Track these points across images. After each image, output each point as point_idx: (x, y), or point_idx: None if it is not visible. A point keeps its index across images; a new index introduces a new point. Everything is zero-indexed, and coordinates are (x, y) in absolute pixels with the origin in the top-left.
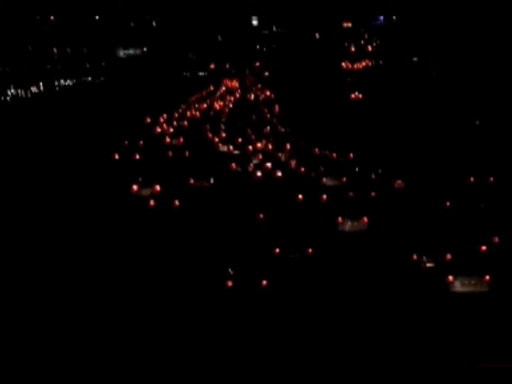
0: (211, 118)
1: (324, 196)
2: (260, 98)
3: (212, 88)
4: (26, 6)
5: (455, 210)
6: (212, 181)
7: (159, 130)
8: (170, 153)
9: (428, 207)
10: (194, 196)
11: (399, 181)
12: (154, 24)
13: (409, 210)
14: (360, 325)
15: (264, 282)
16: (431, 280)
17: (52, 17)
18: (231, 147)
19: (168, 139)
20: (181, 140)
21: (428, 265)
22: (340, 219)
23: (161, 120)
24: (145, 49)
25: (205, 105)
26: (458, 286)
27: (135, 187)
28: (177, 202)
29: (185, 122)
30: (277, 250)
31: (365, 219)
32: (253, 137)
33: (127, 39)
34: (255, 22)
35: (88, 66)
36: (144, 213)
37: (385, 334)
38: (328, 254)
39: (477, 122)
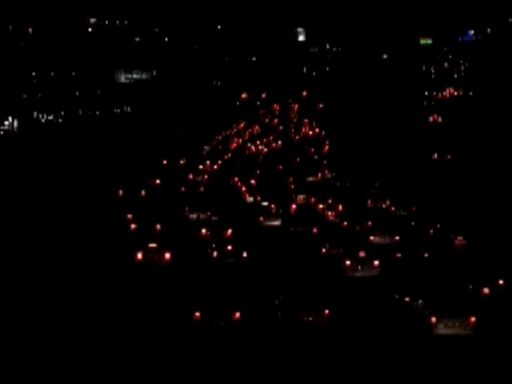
0: (245, 160)
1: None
2: (307, 136)
3: (244, 124)
4: None
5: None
6: (209, 214)
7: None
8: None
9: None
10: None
11: (460, 238)
12: (166, 39)
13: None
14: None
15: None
16: (417, 321)
17: (30, 29)
18: (258, 198)
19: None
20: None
21: (419, 306)
22: (348, 263)
23: (181, 163)
24: (154, 72)
25: (234, 145)
26: (442, 328)
27: (129, 215)
28: (158, 227)
29: (205, 168)
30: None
31: (376, 263)
32: (292, 186)
33: (130, 59)
34: (301, 37)
35: (78, 94)
36: (126, 235)
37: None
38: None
39: None
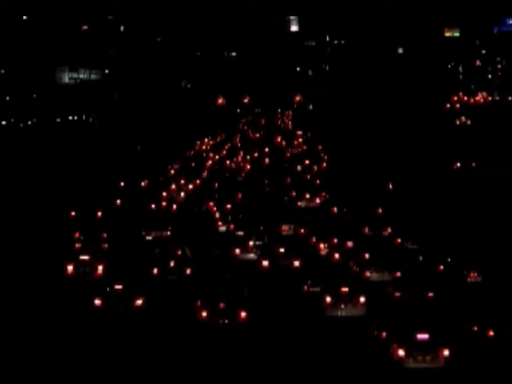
0: (223, 180)
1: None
2: (299, 150)
3: (222, 136)
4: None
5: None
6: (169, 232)
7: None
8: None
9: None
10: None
11: (473, 273)
12: (121, 28)
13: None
14: None
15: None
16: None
17: None
18: (232, 226)
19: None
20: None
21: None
22: (328, 300)
23: (142, 184)
24: (106, 71)
25: (210, 162)
26: (411, 362)
27: (77, 234)
28: (105, 245)
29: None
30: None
31: (362, 300)
32: (279, 213)
33: (76, 55)
34: (294, 27)
35: (8, 99)
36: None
37: None
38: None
39: None
